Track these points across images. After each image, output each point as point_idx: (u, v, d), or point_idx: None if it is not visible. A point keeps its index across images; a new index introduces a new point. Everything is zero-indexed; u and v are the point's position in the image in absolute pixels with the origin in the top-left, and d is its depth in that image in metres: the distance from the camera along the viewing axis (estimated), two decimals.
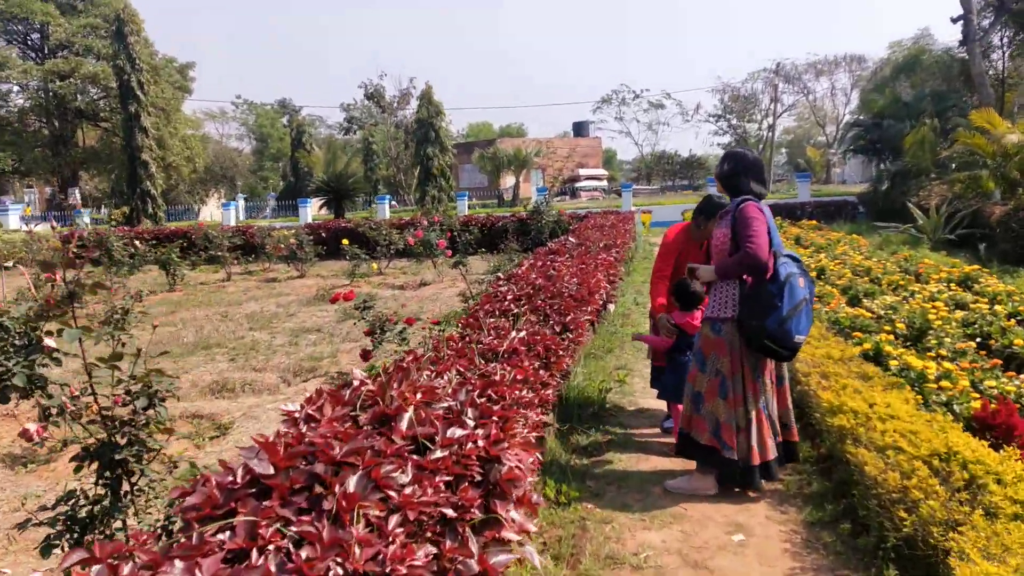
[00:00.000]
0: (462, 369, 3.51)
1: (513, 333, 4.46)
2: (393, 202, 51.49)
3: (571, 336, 5.10)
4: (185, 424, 5.73)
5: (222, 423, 5.75)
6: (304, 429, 2.53)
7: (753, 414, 4.25)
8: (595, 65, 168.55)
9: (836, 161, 60.38)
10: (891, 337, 6.95)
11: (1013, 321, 7.48)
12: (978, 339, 7.27)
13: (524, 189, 46.96)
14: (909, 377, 5.56)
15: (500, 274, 8.00)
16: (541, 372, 4.17)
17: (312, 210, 28.97)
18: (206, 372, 7.35)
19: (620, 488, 4.62)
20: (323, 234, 18.47)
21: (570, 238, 10.27)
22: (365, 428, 2.53)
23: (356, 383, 2.96)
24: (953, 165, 19.44)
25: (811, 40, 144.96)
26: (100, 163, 39.49)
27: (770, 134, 53.10)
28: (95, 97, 39.27)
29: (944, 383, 5.24)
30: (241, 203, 48.67)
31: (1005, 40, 24.79)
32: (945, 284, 9.59)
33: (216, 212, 51.07)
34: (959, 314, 7.69)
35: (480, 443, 2.44)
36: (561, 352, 4.51)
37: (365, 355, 6.58)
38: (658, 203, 31.37)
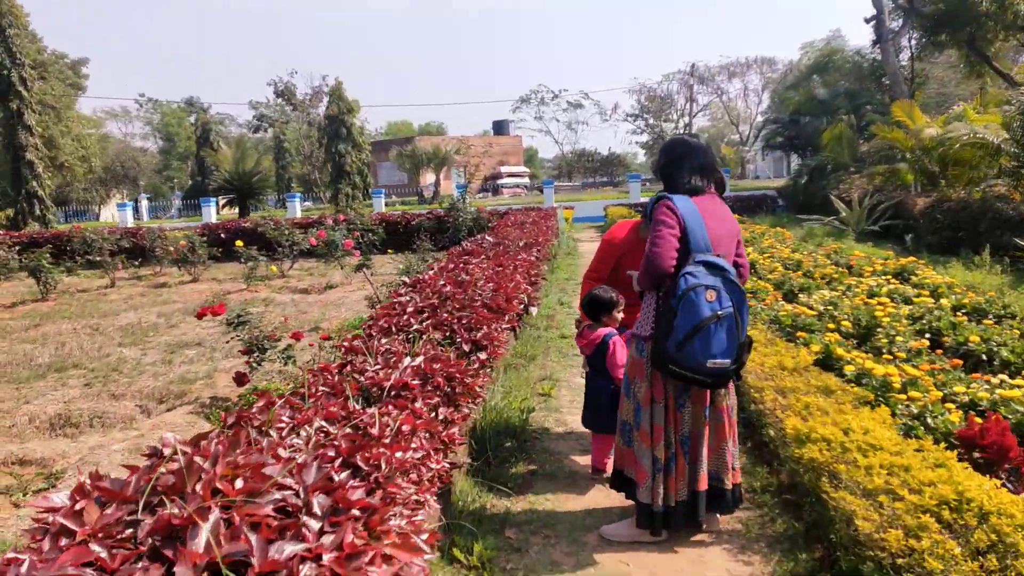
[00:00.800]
0: (330, 417, 2.56)
1: (407, 360, 3.52)
2: (307, 201, 49.62)
3: (483, 356, 4.19)
4: (3, 475, 4.56)
5: (54, 471, 4.60)
6: (48, 547, 1.58)
7: (672, 451, 3.46)
8: (515, 66, 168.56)
9: (750, 158, 61.57)
10: (838, 337, 6.32)
11: (963, 316, 6.97)
12: (928, 335, 6.74)
13: (445, 187, 45.89)
14: (871, 386, 4.89)
15: (406, 278, 7.03)
16: (442, 410, 3.25)
17: (216, 209, 27.21)
18: (52, 401, 6.12)
19: (547, 538, 3.74)
20: (221, 235, 17.04)
21: (487, 237, 9.38)
22: (144, 546, 1.56)
23: (154, 459, 1.98)
24: (868, 160, 19.46)
25: (724, 43, 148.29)
26: None
27: (686, 132, 53.52)
28: None
29: (913, 393, 4.57)
30: (145, 203, 46.02)
31: (912, 42, 25.22)
32: (882, 277, 9.13)
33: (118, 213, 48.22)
34: (905, 309, 7.15)
35: (327, 559, 1.51)
36: (468, 379, 3.60)
37: (240, 379, 5.52)
38: (580, 199, 30.87)
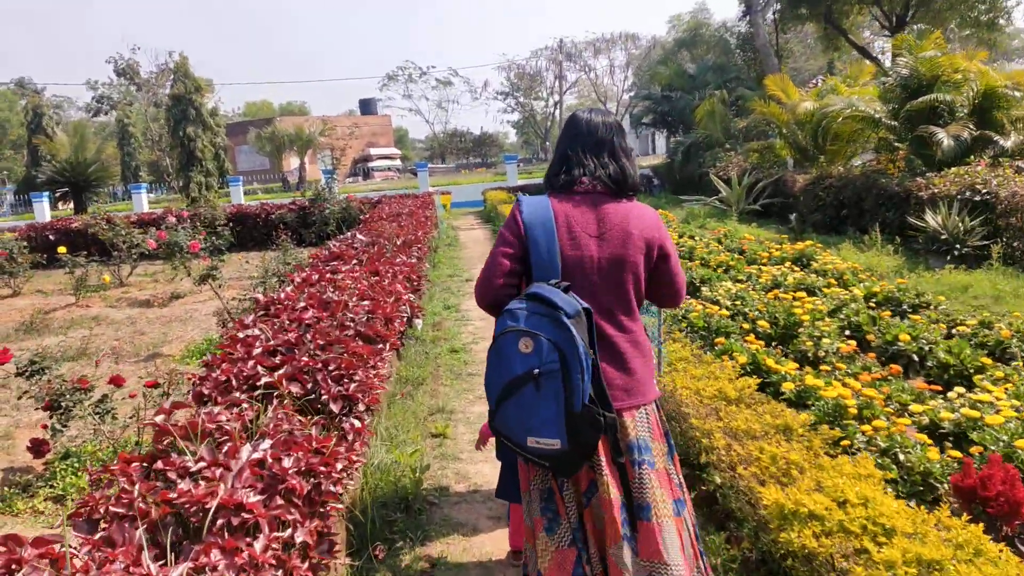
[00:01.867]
0: None
1: (246, 450, 2.42)
2: (160, 192, 45.82)
3: (358, 419, 3.13)
4: None
5: None
6: None
7: (556, 534, 2.31)
8: (381, 42, 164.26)
9: None
10: (759, 344, 5.67)
11: (886, 311, 6.50)
12: (848, 331, 6.23)
13: (312, 171, 43.59)
14: (821, 410, 4.19)
15: (259, 294, 5.80)
16: (300, 533, 2.19)
17: (49, 206, 24.18)
18: None
19: None
20: (50, 236, 14.84)
21: (359, 234, 8.18)
22: None
23: None
24: (743, 135, 19.47)
25: (590, 19, 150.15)
26: None
27: (556, 111, 53.34)
28: None
29: (877, 423, 3.88)
30: None
31: (776, 15, 25.63)
32: (783, 265, 8.68)
33: None
34: (823, 305, 6.62)
35: None
36: (338, 469, 2.54)
37: (37, 448, 4.19)
38: (455, 183, 29.82)
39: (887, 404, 4.48)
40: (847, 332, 6.19)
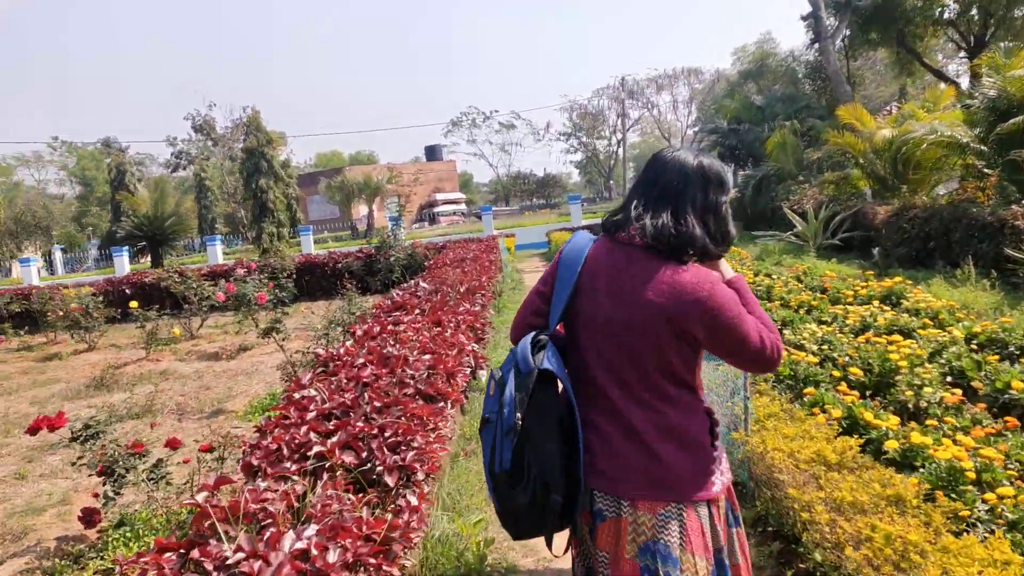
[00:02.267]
0: None
1: (288, 539, 2.18)
2: (235, 243, 47.31)
3: (414, 496, 2.85)
4: None
5: None
6: None
7: None
8: (446, 88, 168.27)
9: None
10: (853, 395, 5.18)
11: (992, 354, 5.91)
12: (948, 377, 5.67)
13: (379, 218, 44.32)
14: (933, 474, 3.72)
15: (320, 349, 5.64)
16: None
17: (128, 260, 25.12)
18: None
19: None
20: (126, 291, 15.23)
21: (422, 282, 8.02)
22: None
23: None
24: (816, 167, 18.82)
25: (650, 55, 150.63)
26: None
27: (620, 149, 53.20)
28: None
29: (1003, 490, 3.40)
30: (59, 255, 43.28)
31: (845, 41, 24.96)
32: (871, 304, 8.11)
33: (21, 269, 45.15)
34: (921, 349, 6.07)
35: None
36: (388, 563, 2.27)
37: (89, 517, 4.05)
38: (520, 225, 29.75)
39: (1007, 465, 3.97)
40: (949, 379, 5.64)
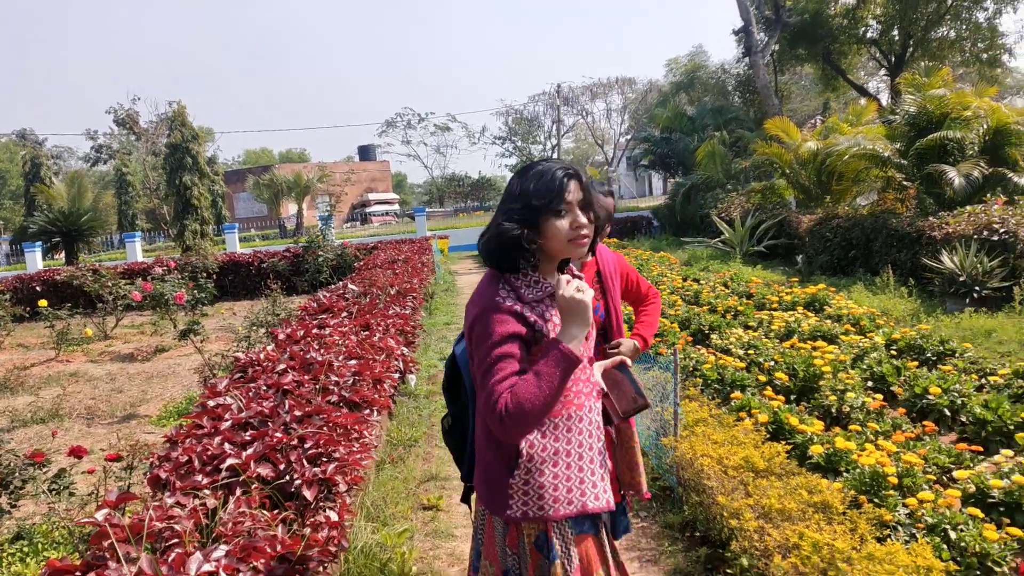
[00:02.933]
0: None
1: (194, 564, 2.02)
2: (157, 239, 45.61)
3: (334, 512, 2.70)
4: None
5: None
6: None
7: None
8: (380, 89, 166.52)
9: (615, 178, 62.75)
10: (779, 399, 5.24)
11: (910, 360, 6.08)
12: (870, 383, 5.81)
13: (309, 217, 43.42)
14: (857, 479, 3.76)
15: (240, 353, 5.40)
16: None
17: (41, 256, 23.86)
18: None
19: None
20: (37, 288, 14.47)
21: (350, 284, 7.81)
22: None
23: None
24: (744, 176, 19.27)
25: (585, 64, 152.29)
26: None
27: (555, 154, 53.49)
28: None
29: (923, 495, 3.46)
30: None
31: (774, 56, 25.66)
32: (795, 310, 8.29)
33: None
34: (844, 355, 6.21)
35: None
36: None
37: None
38: (454, 227, 29.57)
39: (927, 469, 4.06)
40: (871, 384, 5.79)
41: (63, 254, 21.76)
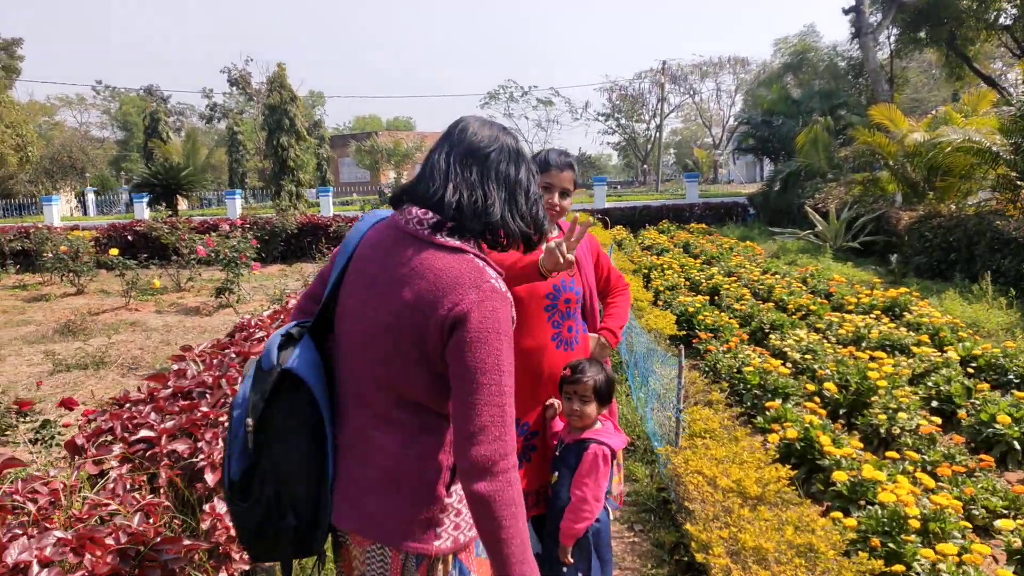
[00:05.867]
0: None
1: (8, 560, 1.82)
2: (266, 198, 47.33)
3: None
4: None
5: None
6: None
7: None
8: (486, 60, 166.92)
9: (722, 162, 60.61)
10: (821, 416, 4.68)
11: (986, 382, 5.36)
12: (935, 403, 5.16)
13: None
14: (873, 517, 3.25)
15: (261, 315, 5.31)
16: None
17: (147, 206, 25.08)
18: None
19: None
20: (128, 237, 15.11)
21: None
22: None
23: None
24: (849, 166, 18.02)
25: (697, 42, 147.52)
26: None
27: (658, 134, 52.01)
28: None
29: (945, 547, 2.93)
30: (92, 197, 43.68)
31: (891, 39, 23.82)
32: (870, 315, 7.55)
33: (69, 208, 45.75)
34: (905, 368, 5.55)
35: None
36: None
37: None
38: None
39: (967, 511, 3.49)
40: (934, 404, 5.14)
41: (164, 205, 22.71)
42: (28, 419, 4.07)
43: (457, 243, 1.54)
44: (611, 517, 2.87)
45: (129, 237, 15.20)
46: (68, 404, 4.15)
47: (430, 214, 1.57)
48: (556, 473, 2.54)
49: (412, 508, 1.56)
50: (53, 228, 14.94)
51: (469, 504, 1.44)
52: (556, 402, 2.63)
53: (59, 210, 27.14)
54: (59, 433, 4.16)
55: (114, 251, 10.52)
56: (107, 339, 7.76)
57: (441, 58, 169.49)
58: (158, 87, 65.20)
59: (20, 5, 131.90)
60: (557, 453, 2.57)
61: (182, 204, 27.63)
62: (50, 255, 11.80)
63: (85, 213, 43.16)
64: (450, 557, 1.61)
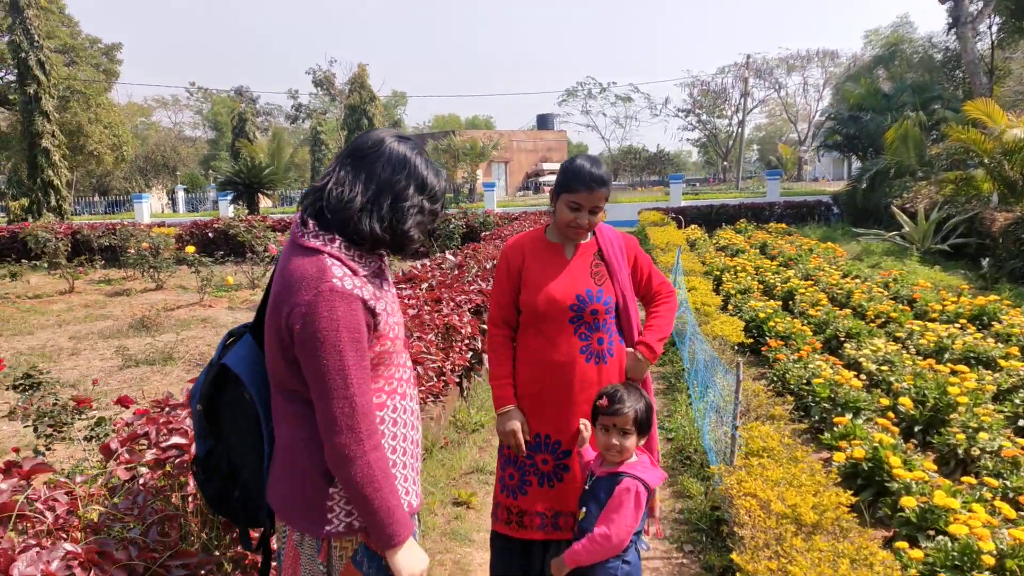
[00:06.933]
0: None
1: (14, 573, 1.82)
2: None
3: None
4: None
5: None
6: None
7: None
8: (564, 58, 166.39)
9: (808, 159, 58.60)
10: (892, 435, 4.36)
11: None
12: (1020, 422, 4.77)
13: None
14: (942, 550, 2.98)
15: None
16: None
17: (231, 204, 25.97)
18: None
19: None
20: (209, 234, 15.63)
21: (449, 255, 7.57)
22: None
23: None
24: (941, 164, 17.08)
25: (784, 34, 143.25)
26: (10, 150, 35.85)
27: (740, 130, 50.69)
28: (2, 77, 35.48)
29: None
30: (181, 195, 45.58)
31: (994, 28, 22.45)
32: (955, 324, 7.07)
33: (160, 205, 47.96)
34: (990, 384, 5.15)
35: None
36: None
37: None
38: (616, 201, 28.79)
39: None
40: (1020, 423, 4.75)
41: (245, 204, 23.48)
42: (84, 416, 4.17)
43: (316, 243, 1.62)
44: (646, 550, 2.70)
45: (209, 234, 15.72)
46: (123, 402, 4.23)
47: (304, 215, 1.68)
48: (584, 509, 2.34)
49: (304, 493, 1.68)
50: (138, 225, 15.57)
51: (341, 487, 1.61)
52: (587, 425, 2.47)
53: (149, 207, 28.40)
54: (113, 431, 4.25)
55: (191, 248, 10.88)
56: (175, 336, 8.00)
57: (521, 57, 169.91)
58: (248, 88, 67.53)
59: (121, 7, 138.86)
60: (587, 487, 2.38)
61: (265, 202, 28.54)
62: (133, 251, 12.29)
63: (175, 210, 45.05)
64: (351, 541, 1.69)
